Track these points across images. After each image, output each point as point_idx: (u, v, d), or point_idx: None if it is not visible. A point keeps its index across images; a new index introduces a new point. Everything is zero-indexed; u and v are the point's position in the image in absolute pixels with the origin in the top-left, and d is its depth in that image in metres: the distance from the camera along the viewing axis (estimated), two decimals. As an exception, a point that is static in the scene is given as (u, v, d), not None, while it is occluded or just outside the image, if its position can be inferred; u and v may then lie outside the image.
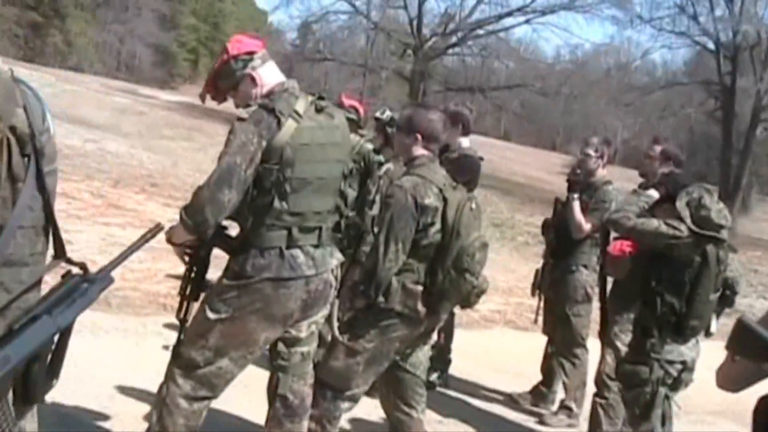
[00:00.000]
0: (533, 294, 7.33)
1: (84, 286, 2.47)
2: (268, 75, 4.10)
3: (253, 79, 4.05)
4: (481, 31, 41.62)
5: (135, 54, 75.23)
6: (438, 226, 4.45)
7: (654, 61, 54.28)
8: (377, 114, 7.26)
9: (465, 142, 6.61)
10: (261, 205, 3.91)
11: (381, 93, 43.95)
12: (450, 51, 42.87)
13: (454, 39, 42.02)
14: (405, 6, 41.87)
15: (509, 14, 40.57)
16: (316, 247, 4.06)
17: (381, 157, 6.66)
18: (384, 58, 43.86)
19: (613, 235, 5.71)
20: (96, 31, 73.25)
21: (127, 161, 18.59)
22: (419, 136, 4.60)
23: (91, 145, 20.02)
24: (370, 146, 6.85)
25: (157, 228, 2.84)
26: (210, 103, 4.44)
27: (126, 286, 8.37)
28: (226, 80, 4.12)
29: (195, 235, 3.91)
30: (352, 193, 7.09)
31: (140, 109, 32.94)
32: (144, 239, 2.68)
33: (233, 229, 4.13)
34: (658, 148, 6.71)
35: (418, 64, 39.84)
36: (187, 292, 4.20)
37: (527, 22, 40.97)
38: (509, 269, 14.11)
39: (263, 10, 78.30)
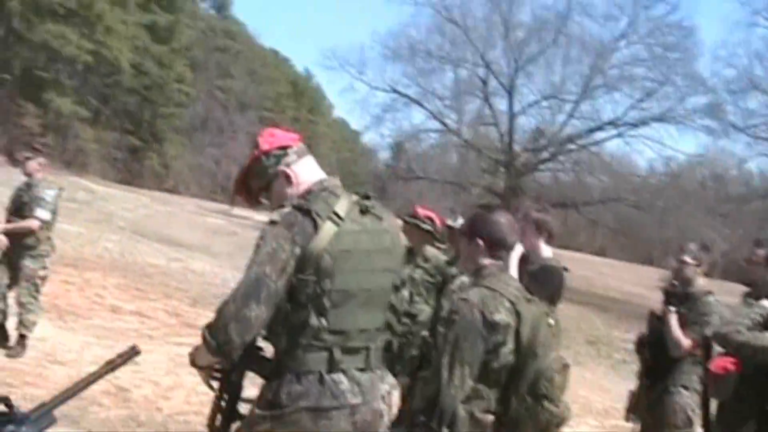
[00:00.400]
0: (627, 419, 6.64)
1: (9, 430, 1.84)
2: (305, 172, 3.57)
3: (287, 177, 3.53)
4: (572, 146, 41.28)
5: (230, 176, 76.46)
6: (511, 345, 3.82)
7: (750, 171, 52.85)
8: (449, 222, 6.75)
9: (547, 251, 6.00)
10: (296, 322, 3.31)
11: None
12: (542, 166, 42.55)
13: (545, 154, 41.72)
14: (496, 123, 41.86)
15: (601, 128, 40.22)
16: (362, 370, 3.42)
17: (454, 269, 6.13)
18: (476, 175, 43.68)
19: (716, 350, 5.03)
20: (192, 154, 74.84)
21: (210, 280, 18.33)
22: (483, 243, 4.03)
23: (175, 264, 19.88)
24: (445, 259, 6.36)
25: (131, 352, 2.28)
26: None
27: (189, 410, 7.89)
28: (257, 179, 3.60)
29: (219, 357, 3.30)
30: (427, 310, 6.54)
31: (233, 230, 33.12)
32: (110, 367, 2.12)
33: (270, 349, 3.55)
34: (761, 252, 6.03)
35: (510, 181, 39.54)
36: (216, 422, 3.61)
37: (619, 135, 40.53)
38: (604, 389, 13.35)
39: (356, 130, 78.86)
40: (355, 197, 3.49)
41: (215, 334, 3.23)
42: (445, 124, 43.15)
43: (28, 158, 9.00)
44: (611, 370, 16.46)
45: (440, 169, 45.90)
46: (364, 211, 3.46)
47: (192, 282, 17.11)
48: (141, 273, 16.55)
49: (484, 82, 42.46)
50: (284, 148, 3.55)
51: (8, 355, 8.59)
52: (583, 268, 39.99)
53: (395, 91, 43.95)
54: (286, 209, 3.36)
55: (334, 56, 44.92)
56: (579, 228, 48.83)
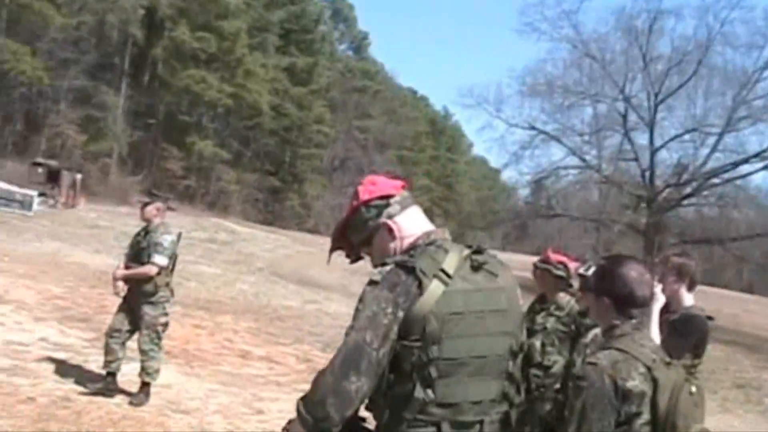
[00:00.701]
0: None
1: None
2: (409, 224, 3.16)
3: (389, 230, 3.13)
4: (716, 180, 39.83)
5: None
6: (646, 416, 3.34)
7: None
8: (581, 270, 6.27)
9: (689, 299, 5.47)
10: (400, 394, 2.90)
11: (615, 248, 42.43)
12: (685, 202, 41.20)
13: (688, 189, 40.41)
14: (636, 158, 40.86)
15: (746, 161, 38.69)
16: (475, 447, 3.01)
17: (588, 321, 5.67)
18: (617, 211, 42.63)
19: None
20: (332, 194, 75.55)
21: (344, 323, 17.85)
22: (610, 301, 3.58)
23: (310, 306, 19.77)
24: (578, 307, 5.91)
25: None
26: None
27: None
28: (357, 232, 3.22)
29: None
30: (560, 361, 6.12)
31: (371, 270, 32.86)
32: None
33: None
34: None
35: (652, 217, 38.41)
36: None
37: (765, 167, 38.84)
38: (755, 438, 12.49)
39: (495, 168, 78.44)
40: (466, 251, 3.07)
41: (312, 410, 2.86)
42: (584, 160, 42.35)
43: (145, 203, 8.91)
44: (761, 416, 15.52)
45: (580, 205, 44.97)
46: (476, 268, 3.03)
47: (325, 325, 16.89)
48: (274, 316, 16.45)
49: (624, 117, 41.52)
50: (386, 197, 3.17)
51: (131, 404, 8.45)
52: (729, 306, 38.48)
53: (533, 127, 43.41)
54: (388, 267, 2.98)
55: (472, 94, 44.66)
56: (725, 264, 47.06)
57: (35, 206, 35.25)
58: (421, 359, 2.86)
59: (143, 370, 8.62)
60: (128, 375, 9.50)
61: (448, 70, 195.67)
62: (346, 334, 2.90)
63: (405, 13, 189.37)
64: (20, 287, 14.19)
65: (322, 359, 12.95)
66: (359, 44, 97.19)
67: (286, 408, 9.35)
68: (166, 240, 8.62)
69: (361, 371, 2.81)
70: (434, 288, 2.88)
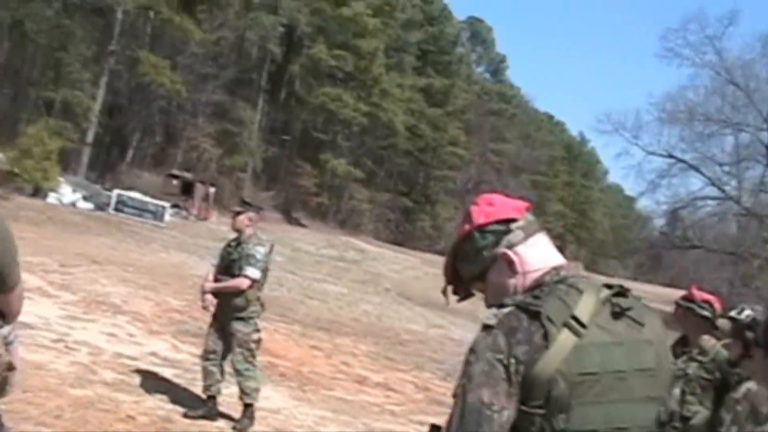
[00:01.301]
0: None
1: None
2: (535, 256, 2.43)
3: (510, 263, 2.41)
4: None
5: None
6: None
7: None
8: (733, 313, 5.51)
9: None
10: None
11: (753, 283, 40.68)
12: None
13: (837, 223, 38.55)
14: (778, 189, 39.24)
15: None
16: None
17: (739, 371, 4.95)
18: (757, 245, 40.91)
19: None
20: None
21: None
22: None
23: (434, 331, 19.19)
24: (726, 354, 5.19)
25: None
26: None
27: None
28: (468, 264, 2.50)
29: None
30: (702, 413, 5.41)
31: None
32: None
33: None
34: None
35: (796, 252, 36.70)
36: None
37: None
38: None
39: (630, 196, 76.71)
40: (604, 292, 2.40)
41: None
42: (724, 191, 40.88)
43: (237, 213, 8.40)
44: None
45: (718, 238, 43.51)
46: (617, 314, 2.33)
47: (448, 352, 16.23)
48: (395, 340, 15.89)
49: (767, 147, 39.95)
50: (506, 221, 2.46)
51: (235, 429, 7.98)
52: None
53: (672, 156, 42.20)
54: (507, 309, 2.33)
55: (609, 120, 43.77)
56: None
57: (167, 217, 35.69)
58: (545, 430, 2.23)
59: (242, 392, 8.11)
60: (232, 397, 9.09)
61: (585, 95, 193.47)
62: (455, 395, 2.28)
63: (544, 37, 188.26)
64: (140, 298, 14.01)
65: (441, 388, 12.36)
66: (497, 67, 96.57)
67: (402, 440, 8.82)
68: (259, 252, 8.08)
69: None
70: (564, 340, 2.22)
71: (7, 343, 3.92)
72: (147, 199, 36.82)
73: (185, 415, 7.99)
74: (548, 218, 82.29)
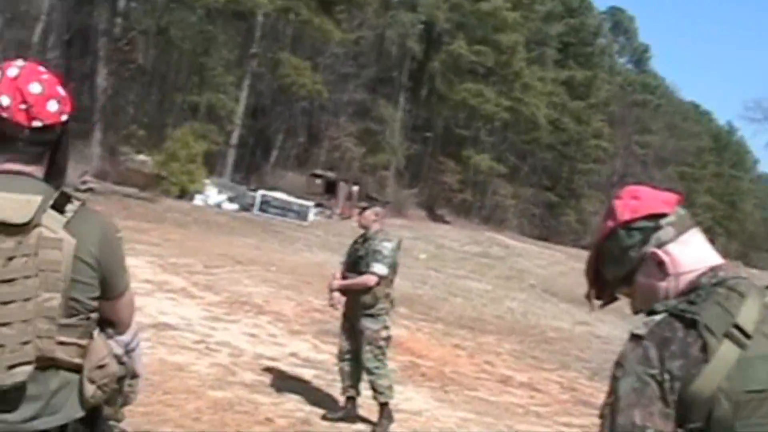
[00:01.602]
0: None
1: None
2: (688, 255, 2.12)
3: (660, 264, 2.11)
4: None
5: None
6: None
7: None
8: None
9: None
10: None
11: None
12: None
13: None
14: None
15: None
16: None
17: None
18: None
19: None
20: (609, 210, 73.57)
21: (616, 347, 16.87)
22: None
23: (580, 328, 18.69)
24: None
25: None
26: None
27: None
28: (613, 265, 2.20)
29: None
30: None
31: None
32: None
33: None
34: None
35: None
36: None
37: None
38: None
39: (784, 186, 74.14)
40: None
41: None
42: None
43: (363, 209, 8.18)
44: None
45: None
46: None
47: (595, 350, 15.76)
48: (540, 338, 15.49)
49: None
50: (655, 217, 2.16)
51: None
52: None
53: (827, 144, 40.26)
54: (658, 316, 2.05)
55: (759, 108, 42.15)
56: None
57: (311, 216, 36.01)
58: (705, 457, 1.94)
59: (375, 391, 7.90)
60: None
61: (733, 83, 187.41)
62: (602, 415, 2.01)
63: (687, 24, 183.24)
64: (282, 298, 14.04)
65: (589, 388, 11.95)
66: (640, 57, 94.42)
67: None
68: (386, 248, 7.83)
69: None
70: (726, 353, 1.91)
71: (129, 351, 3.83)
72: (291, 199, 37.23)
73: (324, 417, 7.86)
74: (696, 210, 79.93)
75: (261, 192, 36.95)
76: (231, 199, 35.72)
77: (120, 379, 3.70)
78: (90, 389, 2.74)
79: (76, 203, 2.66)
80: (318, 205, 41.32)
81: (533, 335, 15.51)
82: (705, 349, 1.91)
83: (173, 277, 14.36)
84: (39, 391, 2.62)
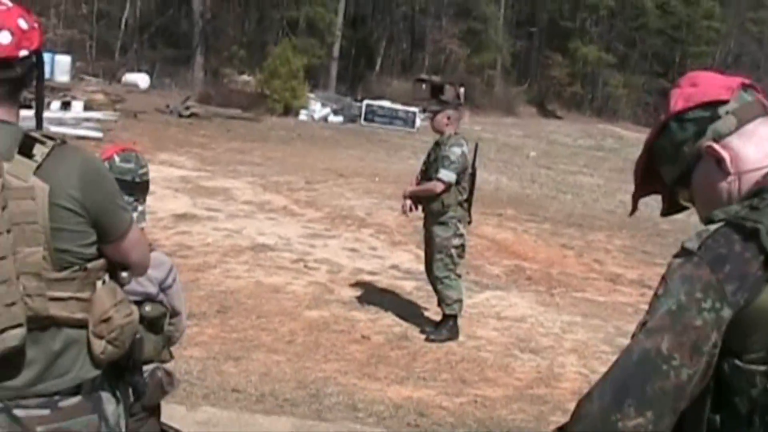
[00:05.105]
0: None
1: None
2: (755, 150, 1.76)
3: (719, 161, 1.77)
4: None
5: None
6: None
7: None
8: None
9: None
10: None
11: None
12: None
13: None
14: None
15: None
16: None
17: None
18: None
19: None
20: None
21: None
22: None
23: (696, 218, 18.02)
24: None
25: None
26: None
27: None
28: (666, 164, 1.89)
29: None
30: None
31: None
32: None
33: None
34: None
35: None
36: None
37: None
38: None
39: None
40: None
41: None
42: None
43: (435, 113, 7.83)
44: None
45: None
46: None
47: (711, 239, 15.16)
48: (652, 231, 14.90)
49: None
50: (712, 104, 1.80)
51: (429, 339, 7.43)
52: None
53: None
54: (714, 226, 1.72)
55: None
56: None
57: (418, 122, 35.59)
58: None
59: (441, 301, 7.64)
60: (478, 307, 8.69)
61: None
62: (633, 336, 1.70)
63: None
64: (384, 209, 13.81)
65: (705, 280, 11.47)
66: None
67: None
68: (455, 153, 7.47)
69: (647, 400, 1.60)
70: None
71: (164, 288, 3.63)
72: (397, 106, 36.82)
73: (422, 332, 7.67)
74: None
75: (366, 102, 36.61)
76: (336, 112, 35.48)
77: (158, 319, 3.51)
78: (99, 345, 2.52)
79: (50, 144, 2.39)
80: (425, 110, 40.89)
81: (645, 229, 14.95)
82: (767, 266, 1.58)
83: (274, 195, 14.28)
84: (40, 353, 2.43)
